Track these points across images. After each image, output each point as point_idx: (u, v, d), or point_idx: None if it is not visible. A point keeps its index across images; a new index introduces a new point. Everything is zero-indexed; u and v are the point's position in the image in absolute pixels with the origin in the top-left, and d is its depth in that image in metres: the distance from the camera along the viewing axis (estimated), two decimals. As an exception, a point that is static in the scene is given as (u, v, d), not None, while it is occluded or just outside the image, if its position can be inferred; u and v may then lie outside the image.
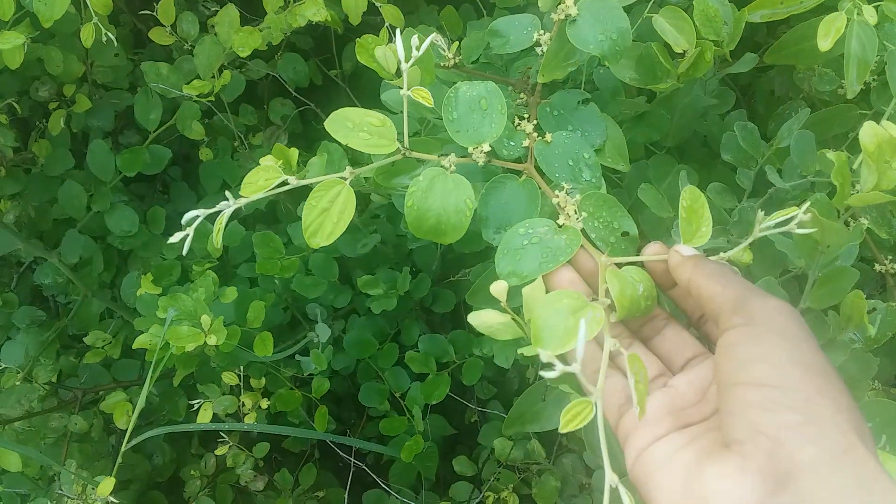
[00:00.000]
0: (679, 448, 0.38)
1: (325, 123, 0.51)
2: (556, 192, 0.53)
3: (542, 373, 0.37)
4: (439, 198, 0.53)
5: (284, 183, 0.49)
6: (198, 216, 0.48)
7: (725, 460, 0.35)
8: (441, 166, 0.53)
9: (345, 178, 0.50)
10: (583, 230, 0.51)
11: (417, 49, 0.51)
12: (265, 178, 0.49)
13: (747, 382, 0.36)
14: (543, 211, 0.54)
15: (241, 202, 0.49)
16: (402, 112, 0.55)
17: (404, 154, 0.52)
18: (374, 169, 0.57)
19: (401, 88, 0.54)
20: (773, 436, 0.33)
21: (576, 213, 0.51)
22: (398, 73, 0.62)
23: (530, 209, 0.55)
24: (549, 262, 0.49)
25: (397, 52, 0.52)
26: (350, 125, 0.51)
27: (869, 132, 0.43)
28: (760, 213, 0.45)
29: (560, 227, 0.50)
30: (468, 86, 0.55)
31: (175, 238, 0.48)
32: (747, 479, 0.33)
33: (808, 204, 0.44)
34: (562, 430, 0.37)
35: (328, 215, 0.50)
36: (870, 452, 0.34)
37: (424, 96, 0.51)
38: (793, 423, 0.33)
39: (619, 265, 0.48)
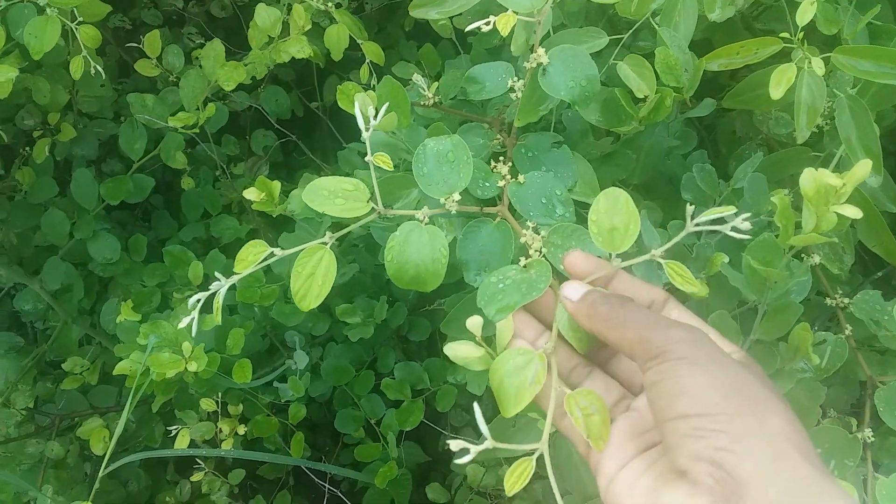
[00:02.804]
0: (641, 474, 0.41)
1: (301, 195, 0.54)
2: (524, 230, 0.56)
3: (455, 462, 0.41)
4: (416, 250, 0.56)
5: (271, 255, 0.52)
6: (200, 300, 0.50)
7: (678, 488, 0.37)
8: (415, 219, 0.56)
9: (325, 244, 0.53)
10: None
11: (374, 118, 0.55)
12: (254, 253, 0.52)
13: (675, 417, 0.38)
14: (519, 250, 0.57)
15: (234, 279, 0.52)
16: (379, 151, 0.58)
17: (379, 214, 0.55)
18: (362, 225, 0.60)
19: (377, 131, 0.58)
20: (711, 459, 0.35)
21: (538, 251, 0.54)
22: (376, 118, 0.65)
23: (506, 249, 0.58)
24: (531, 293, 0.52)
25: (374, 100, 0.55)
26: (326, 193, 0.54)
27: (809, 178, 0.46)
28: (690, 208, 0.47)
29: (524, 267, 0.53)
30: (435, 141, 0.58)
31: (183, 323, 0.51)
32: (699, 502, 0.35)
33: (747, 214, 0.45)
34: (508, 494, 0.41)
35: (314, 279, 0.53)
36: (801, 456, 0.35)
37: (385, 161, 0.54)
38: (724, 444, 0.35)
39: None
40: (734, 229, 0.46)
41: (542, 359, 0.45)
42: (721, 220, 0.46)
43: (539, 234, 0.55)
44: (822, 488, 0.34)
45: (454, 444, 0.41)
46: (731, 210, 0.46)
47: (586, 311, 0.46)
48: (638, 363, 0.41)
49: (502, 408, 0.45)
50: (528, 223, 0.57)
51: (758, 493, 0.34)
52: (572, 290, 0.47)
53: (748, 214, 0.45)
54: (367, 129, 0.55)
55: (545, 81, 0.60)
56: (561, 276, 0.53)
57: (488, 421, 0.80)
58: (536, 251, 0.54)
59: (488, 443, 0.41)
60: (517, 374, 0.45)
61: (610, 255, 0.49)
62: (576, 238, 0.55)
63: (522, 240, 0.56)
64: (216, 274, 0.53)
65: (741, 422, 0.36)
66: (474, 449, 0.41)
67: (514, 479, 0.41)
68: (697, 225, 0.46)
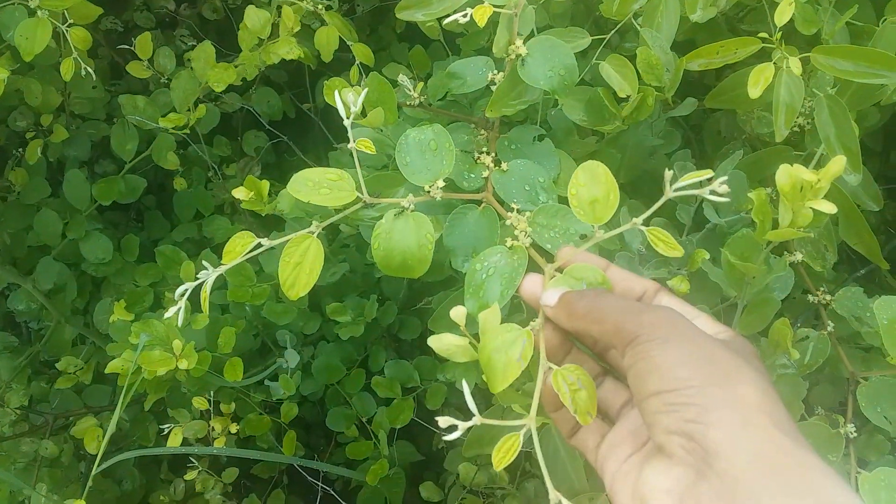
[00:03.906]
0: (636, 465, 0.42)
1: (287, 186, 0.55)
2: (508, 212, 0.57)
3: (445, 439, 0.41)
4: (402, 237, 0.57)
5: (259, 246, 0.53)
6: (187, 290, 0.51)
7: (656, 461, 0.38)
8: (401, 207, 0.57)
9: (312, 232, 0.54)
10: (533, 244, 0.55)
11: (354, 105, 0.56)
12: (241, 244, 0.53)
13: (648, 395, 0.39)
14: (504, 234, 0.58)
15: (221, 269, 0.52)
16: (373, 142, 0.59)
17: (364, 202, 0.55)
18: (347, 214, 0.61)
19: (365, 128, 0.59)
20: (682, 431, 0.36)
21: (524, 232, 0.55)
22: (363, 114, 0.66)
23: (491, 234, 0.59)
24: (509, 288, 0.54)
25: (360, 95, 0.56)
26: (311, 184, 0.55)
27: (784, 174, 0.47)
28: (669, 173, 0.47)
29: (510, 248, 0.54)
30: (417, 131, 0.59)
31: (169, 313, 0.52)
32: (673, 473, 0.37)
33: (725, 178, 0.45)
34: (497, 468, 0.41)
35: (301, 268, 0.54)
36: (771, 423, 0.36)
37: (367, 146, 0.55)
38: (692, 416, 0.36)
39: (561, 269, 0.50)
40: (713, 193, 0.46)
41: (530, 335, 0.46)
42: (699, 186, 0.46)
43: (524, 215, 0.56)
44: (791, 454, 0.35)
45: (442, 422, 0.41)
46: (709, 173, 0.46)
47: (565, 311, 0.46)
48: (619, 352, 0.42)
49: (490, 383, 0.45)
50: (513, 205, 0.58)
51: (726, 460, 0.35)
52: (549, 297, 0.47)
53: (725, 178, 0.45)
54: (348, 117, 0.56)
55: (524, 72, 0.61)
56: (549, 256, 0.54)
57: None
58: (522, 231, 0.55)
59: (476, 419, 0.42)
60: (505, 350, 0.45)
61: (593, 227, 0.50)
62: (560, 217, 0.56)
63: (508, 222, 0.57)
64: (203, 263, 0.54)
65: (709, 393, 0.37)
66: (462, 425, 0.41)
67: (502, 455, 0.42)
68: (677, 190, 0.47)
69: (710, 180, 0.46)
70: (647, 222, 0.51)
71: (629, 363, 0.40)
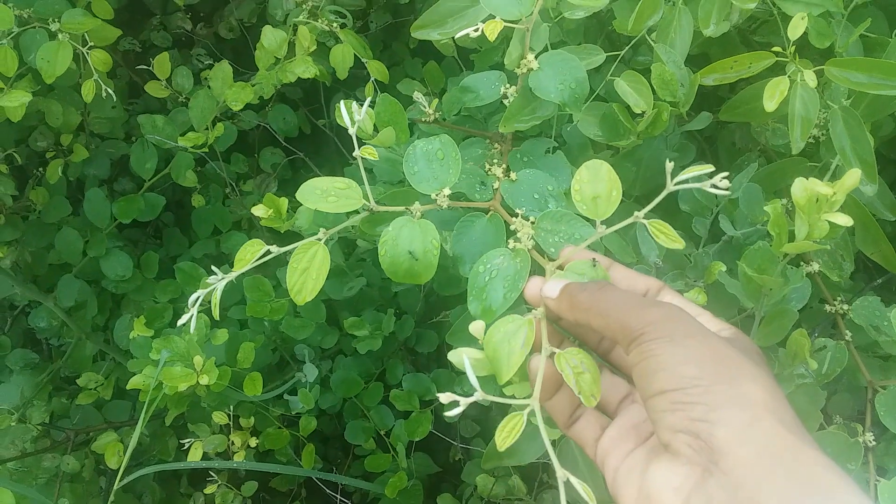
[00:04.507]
0: (640, 461, 0.42)
1: (296, 194, 0.56)
2: (513, 217, 0.58)
3: (446, 414, 0.42)
4: (408, 243, 0.58)
5: (268, 252, 0.54)
6: (199, 297, 0.52)
7: (661, 460, 0.38)
8: (408, 214, 0.58)
9: (319, 239, 0.55)
10: (536, 247, 0.56)
11: (359, 114, 0.57)
12: (251, 251, 0.54)
13: (655, 394, 0.39)
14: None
15: (232, 275, 0.54)
16: (379, 166, 0.60)
17: (371, 210, 0.57)
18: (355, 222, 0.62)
19: (377, 147, 0.60)
20: (688, 430, 0.36)
21: (526, 234, 0.56)
22: (375, 131, 0.67)
23: (498, 241, 0.60)
24: (512, 291, 0.54)
25: (372, 117, 0.57)
26: (319, 192, 0.56)
27: (800, 187, 0.47)
28: (669, 164, 0.48)
29: (513, 250, 0.55)
30: (424, 142, 0.60)
31: (182, 320, 0.52)
32: (680, 471, 0.37)
33: (725, 173, 0.46)
34: (500, 448, 0.41)
35: (308, 274, 0.55)
36: (777, 421, 0.36)
37: (371, 153, 0.57)
38: (699, 415, 0.36)
39: (562, 267, 0.51)
40: (713, 187, 0.46)
41: (531, 324, 0.46)
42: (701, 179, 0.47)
43: (528, 220, 0.57)
44: (797, 450, 0.35)
45: (444, 397, 0.41)
46: (709, 168, 0.47)
47: (567, 303, 0.46)
48: (623, 349, 0.42)
49: (497, 374, 0.46)
50: (517, 210, 0.58)
51: (733, 458, 0.35)
52: (551, 289, 0.47)
53: (727, 173, 0.46)
54: (353, 126, 0.57)
55: (535, 84, 0.62)
56: (551, 258, 0.54)
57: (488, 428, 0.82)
58: (525, 234, 0.56)
59: (478, 394, 0.42)
60: (509, 339, 0.46)
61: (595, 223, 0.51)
62: (565, 223, 0.57)
63: (512, 227, 0.57)
64: (212, 268, 0.55)
65: (716, 391, 0.37)
66: (464, 401, 0.42)
67: (506, 434, 0.42)
68: (678, 184, 0.48)
69: (710, 175, 0.46)
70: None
71: (634, 361, 0.40)
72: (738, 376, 0.38)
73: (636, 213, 0.50)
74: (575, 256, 0.51)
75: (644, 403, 0.40)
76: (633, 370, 0.41)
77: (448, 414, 0.42)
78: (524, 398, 0.50)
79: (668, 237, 0.49)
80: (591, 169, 0.52)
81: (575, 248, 0.51)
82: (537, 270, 0.55)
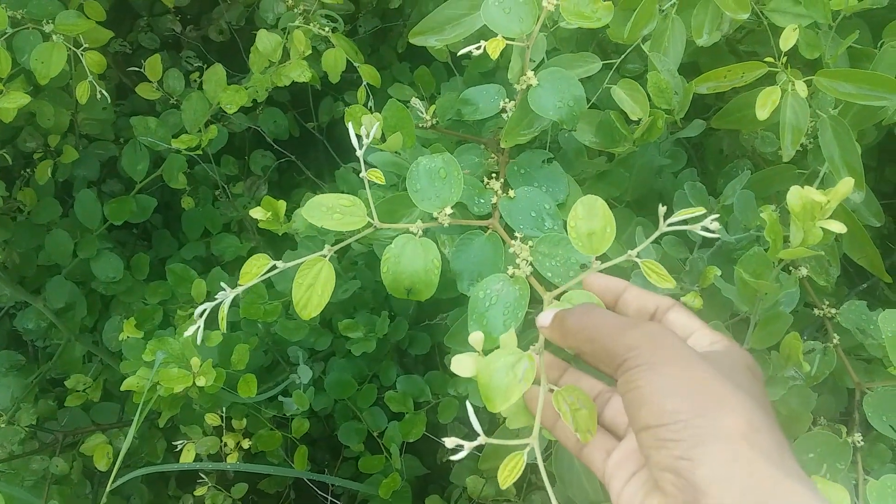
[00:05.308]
0: (639, 487, 0.43)
1: (301, 211, 0.57)
2: (512, 240, 0.59)
3: (451, 458, 0.43)
4: (410, 261, 0.59)
5: (274, 268, 0.55)
6: (206, 309, 0.53)
7: (653, 499, 0.40)
8: (410, 233, 0.59)
9: (325, 255, 0.56)
10: (534, 273, 0.57)
11: (367, 136, 0.58)
12: (257, 266, 0.55)
13: (641, 429, 0.39)
14: (509, 261, 0.60)
15: (239, 290, 0.54)
16: (386, 170, 0.61)
17: (375, 227, 0.58)
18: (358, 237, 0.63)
19: (384, 151, 0.61)
20: (672, 468, 0.37)
21: (525, 260, 0.57)
22: (382, 139, 0.68)
23: (496, 259, 0.62)
24: (511, 319, 0.56)
25: (375, 124, 0.58)
26: (324, 209, 0.57)
27: (795, 195, 0.49)
28: (662, 209, 0.50)
29: (512, 277, 0.57)
30: (427, 159, 0.61)
31: (188, 332, 0.53)
32: None
33: (716, 215, 0.48)
34: (502, 486, 0.43)
35: (314, 290, 0.56)
36: (760, 455, 0.36)
37: (378, 177, 0.58)
38: (681, 452, 0.36)
39: (558, 297, 0.52)
40: (704, 229, 0.48)
41: (531, 358, 0.47)
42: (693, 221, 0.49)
43: (527, 244, 0.58)
44: (781, 488, 0.35)
45: (449, 442, 0.42)
46: (701, 210, 0.48)
47: (559, 331, 0.47)
48: (611, 374, 0.42)
49: (489, 403, 0.46)
50: (516, 233, 0.60)
51: (714, 498, 0.35)
52: (544, 318, 0.48)
53: (717, 215, 0.48)
54: (360, 147, 0.58)
55: (534, 101, 0.63)
56: (549, 284, 0.56)
57: (488, 434, 0.84)
58: (524, 260, 0.57)
59: (481, 438, 0.43)
60: (506, 371, 0.46)
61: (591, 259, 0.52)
62: (562, 247, 0.59)
63: (511, 250, 0.59)
64: (221, 284, 0.55)
65: (696, 424, 0.37)
66: (468, 445, 0.43)
67: (507, 473, 0.43)
68: (670, 225, 0.49)
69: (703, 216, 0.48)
70: (659, 239, 0.53)
71: (621, 391, 0.41)
72: (718, 407, 0.37)
73: (629, 252, 0.51)
74: (590, 280, 0.52)
75: (635, 436, 0.40)
76: (622, 399, 0.41)
77: (453, 458, 0.43)
78: (521, 425, 0.51)
79: (659, 277, 0.51)
80: (586, 205, 0.53)
81: (598, 275, 0.52)
82: (534, 296, 0.56)
